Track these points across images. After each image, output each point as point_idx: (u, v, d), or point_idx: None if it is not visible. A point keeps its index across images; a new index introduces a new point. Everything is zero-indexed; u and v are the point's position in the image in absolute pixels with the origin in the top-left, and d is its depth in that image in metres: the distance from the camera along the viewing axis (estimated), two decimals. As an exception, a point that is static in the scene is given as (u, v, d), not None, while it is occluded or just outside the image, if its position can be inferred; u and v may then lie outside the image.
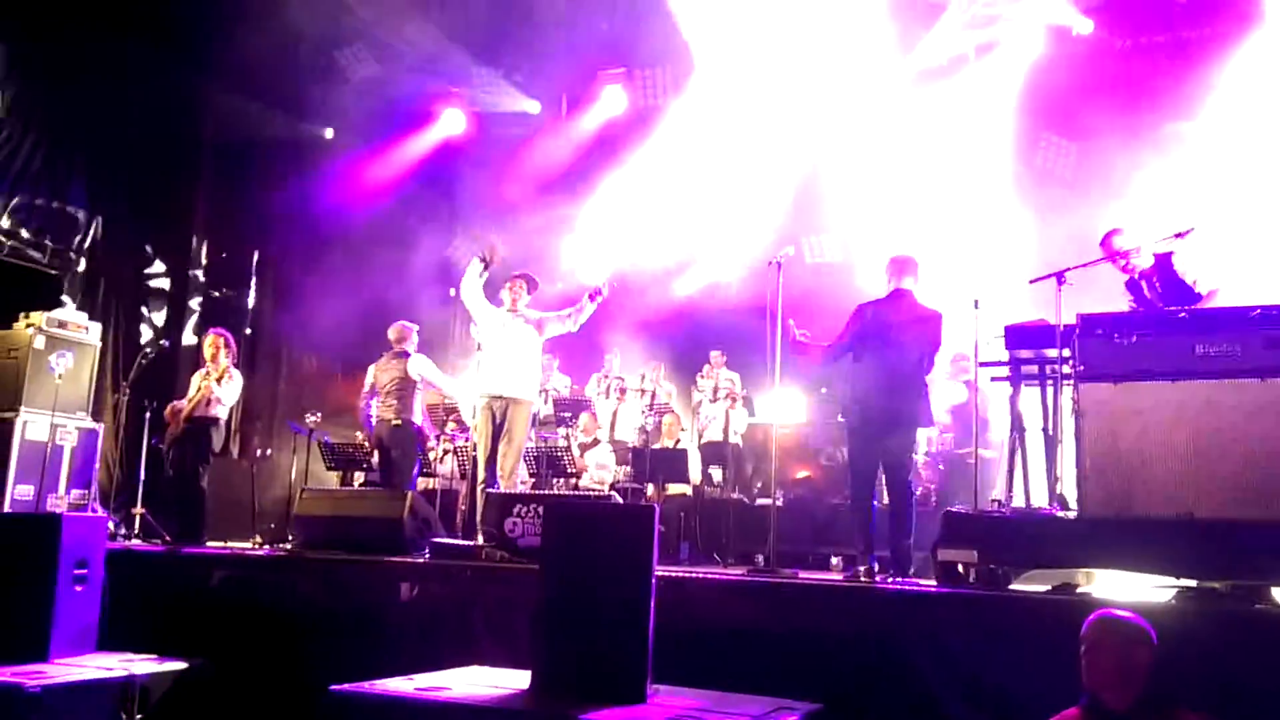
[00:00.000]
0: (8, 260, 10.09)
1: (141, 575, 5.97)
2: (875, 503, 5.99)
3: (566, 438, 9.37)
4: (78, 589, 4.80)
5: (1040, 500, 5.77)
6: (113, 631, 5.03)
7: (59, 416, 8.52)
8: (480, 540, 6.26)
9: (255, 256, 12.27)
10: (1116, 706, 3.23)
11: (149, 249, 11.29)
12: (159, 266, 11.35)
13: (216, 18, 9.92)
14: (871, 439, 5.94)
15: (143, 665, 4.61)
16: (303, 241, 12.10)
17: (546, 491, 8.21)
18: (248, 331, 11.88)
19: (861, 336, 5.98)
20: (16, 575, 4.76)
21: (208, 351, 8.22)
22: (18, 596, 4.71)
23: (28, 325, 8.65)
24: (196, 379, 8.24)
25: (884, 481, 6.09)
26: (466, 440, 9.13)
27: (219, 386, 8.04)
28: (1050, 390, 5.77)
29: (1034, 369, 5.83)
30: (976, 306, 5.83)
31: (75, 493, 8.64)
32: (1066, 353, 5.33)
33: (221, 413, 8.16)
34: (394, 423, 8.22)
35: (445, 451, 9.70)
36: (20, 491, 8.31)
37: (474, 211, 12.53)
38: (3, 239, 9.99)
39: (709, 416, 10.00)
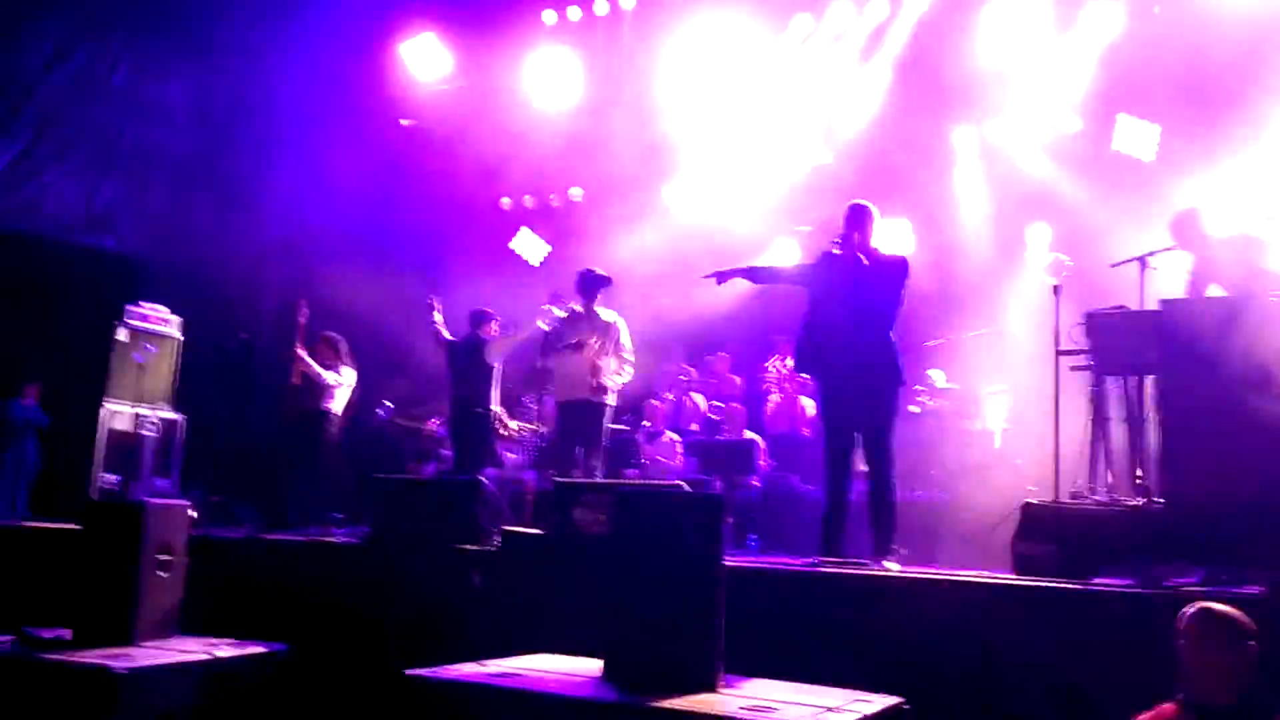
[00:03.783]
0: (94, 253, 10.42)
1: (221, 561, 6.10)
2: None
3: (632, 427, 9.35)
4: (162, 574, 4.91)
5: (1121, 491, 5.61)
6: (194, 616, 5.14)
7: (143, 407, 8.78)
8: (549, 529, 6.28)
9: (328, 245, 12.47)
10: (1222, 702, 3.11)
11: (227, 239, 11.55)
12: (236, 256, 11.61)
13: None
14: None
15: (224, 649, 4.70)
16: (373, 230, 12.24)
17: (615, 480, 8.20)
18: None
19: None
20: (103, 560, 4.88)
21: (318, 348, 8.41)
22: (104, 581, 4.83)
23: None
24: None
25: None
26: (535, 429, 9.18)
27: (337, 374, 8.24)
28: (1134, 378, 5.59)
29: (1116, 356, 5.65)
30: (1056, 293, 5.70)
31: (158, 481, 8.91)
32: (1151, 339, 5.15)
33: (335, 406, 8.31)
34: (476, 409, 8.33)
35: (514, 440, 9.75)
36: (106, 480, 8.60)
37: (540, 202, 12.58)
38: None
39: (774, 404, 9.89)
